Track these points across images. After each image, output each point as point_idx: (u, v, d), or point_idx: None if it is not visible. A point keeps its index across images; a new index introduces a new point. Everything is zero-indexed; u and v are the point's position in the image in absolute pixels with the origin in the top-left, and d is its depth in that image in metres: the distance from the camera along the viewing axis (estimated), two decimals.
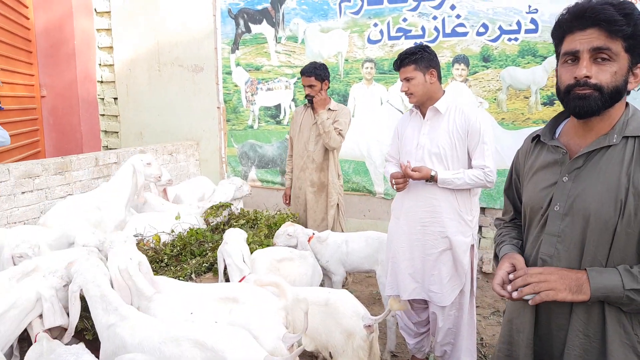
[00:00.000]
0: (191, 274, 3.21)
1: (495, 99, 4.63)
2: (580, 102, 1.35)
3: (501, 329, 1.69)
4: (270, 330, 2.02)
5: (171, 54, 6.21)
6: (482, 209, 4.72)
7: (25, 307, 2.17)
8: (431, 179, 2.62)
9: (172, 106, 6.33)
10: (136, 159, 4.06)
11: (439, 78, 2.76)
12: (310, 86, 3.88)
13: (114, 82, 6.65)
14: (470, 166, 2.69)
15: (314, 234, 3.53)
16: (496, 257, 1.73)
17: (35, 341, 2.08)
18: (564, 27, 1.40)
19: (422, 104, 2.75)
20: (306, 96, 3.97)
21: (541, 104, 4.49)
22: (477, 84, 4.68)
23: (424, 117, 2.77)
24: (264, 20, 5.58)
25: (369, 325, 2.28)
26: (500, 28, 4.53)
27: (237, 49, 5.80)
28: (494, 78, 4.64)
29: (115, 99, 6.70)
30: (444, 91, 2.76)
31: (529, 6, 4.38)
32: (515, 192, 1.75)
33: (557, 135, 1.55)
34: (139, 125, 6.63)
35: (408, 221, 2.78)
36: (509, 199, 1.79)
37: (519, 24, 4.45)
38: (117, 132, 6.80)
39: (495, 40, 4.56)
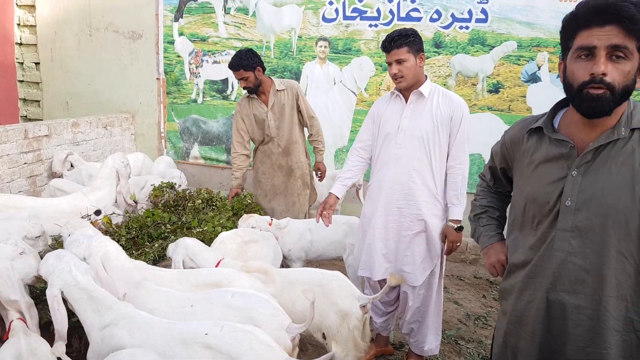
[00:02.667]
0: (154, 259, 3.04)
1: (445, 85, 4.78)
2: (594, 104, 1.33)
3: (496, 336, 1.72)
4: (273, 318, 1.96)
5: (105, 19, 5.72)
6: None
7: None
8: (459, 230, 2.74)
9: (104, 75, 5.87)
10: (117, 161, 3.72)
11: None
12: (243, 79, 3.67)
13: (35, 45, 6.03)
14: (447, 150, 2.77)
15: (272, 220, 3.47)
16: (477, 219, 1.90)
17: (9, 330, 1.86)
18: (580, 21, 1.35)
19: (407, 88, 2.75)
20: (244, 89, 3.77)
21: (487, 91, 4.71)
22: (429, 69, 4.80)
23: (406, 101, 2.78)
24: None
25: (364, 305, 2.30)
26: (452, 16, 4.65)
27: (181, 17, 5.47)
28: (444, 64, 4.78)
29: (37, 63, 6.09)
30: (426, 76, 2.79)
31: None
32: (502, 175, 1.79)
33: (555, 126, 1.52)
34: (65, 94, 6.08)
35: (386, 203, 2.80)
36: (491, 173, 1.87)
37: (470, 12, 4.60)
38: (38, 101, 6.19)
39: (447, 27, 4.69)
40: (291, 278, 2.44)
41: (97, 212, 3.35)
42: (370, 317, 3.11)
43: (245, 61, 3.61)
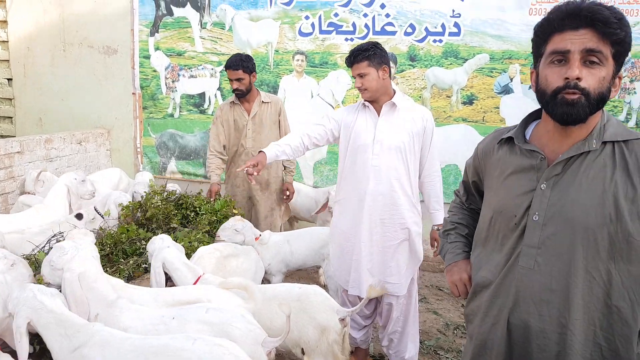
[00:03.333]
0: (128, 275, 2.98)
1: (420, 97, 4.85)
2: (568, 109, 1.27)
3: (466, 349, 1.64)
4: (249, 333, 1.94)
5: (79, 34, 5.67)
6: None
7: None
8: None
9: (79, 90, 5.80)
10: (69, 178, 3.64)
11: (390, 75, 2.83)
12: (239, 80, 3.69)
13: (7, 60, 5.94)
14: (421, 160, 2.83)
15: (260, 235, 3.43)
16: (446, 235, 1.82)
17: None
18: (553, 25, 1.30)
19: (376, 100, 2.79)
20: (234, 91, 3.76)
21: (461, 103, 4.79)
22: (404, 81, 4.87)
23: (377, 112, 2.81)
24: (188, 3, 5.30)
25: (343, 319, 2.29)
26: (426, 29, 4.74)
27: (157, 32, 5.46)
28: (419, 77, 4.85)
29: (10, 79, 5.99)
30: (394, 90, 2.84)
31: (453, 10, 4.64)
32: (475, 190, 1.72)
33: (527, 137, 1.45)
34: (38, 110, 5.99)
35: (370, 216, 2.78)
36: (464, 188, 1.80)
37: (443, 26, 4.70)
38: (11, 118, 6.08)
39: (421, 41, 4.77)
40: (269, 294, 2.42)
41: (79, 216, 3.31)
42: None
43: (246, 63, 3.68)
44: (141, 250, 3.31)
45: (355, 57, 2.74)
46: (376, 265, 2.83)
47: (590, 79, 1.25)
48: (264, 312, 2.32)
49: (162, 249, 2.66)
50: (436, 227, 2.92)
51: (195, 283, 2.54)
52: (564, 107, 1.28)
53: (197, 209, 3.73)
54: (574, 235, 1.29)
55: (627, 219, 1.24)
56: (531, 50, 1.44)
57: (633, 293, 1.27)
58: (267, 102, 3.87)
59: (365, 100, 2.82)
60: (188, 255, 3.06)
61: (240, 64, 3.66)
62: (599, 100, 1.27)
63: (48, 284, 2.17)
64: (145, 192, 3.80)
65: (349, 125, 2.86)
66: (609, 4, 1.29)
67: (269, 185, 3.92)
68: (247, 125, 3.82)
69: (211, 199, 3.86)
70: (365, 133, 2.81)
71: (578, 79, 1.25)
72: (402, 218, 2.77)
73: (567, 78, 1.26)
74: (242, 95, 3.78)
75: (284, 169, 4.03)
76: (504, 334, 1.40)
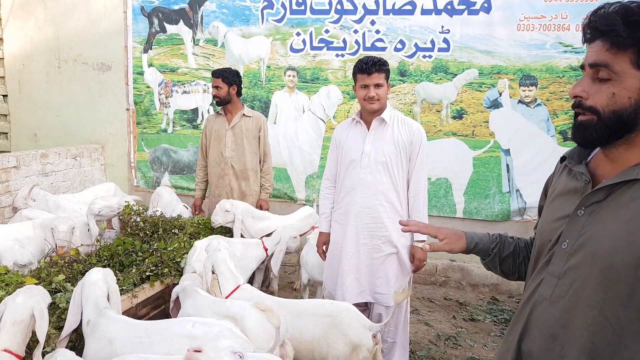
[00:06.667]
0: (130, 285, 3.01)
1: (410, 112, 4.93)
2: (577, 133, 1.18)
3: None
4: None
5: (74, 51, 5.74)
6: None
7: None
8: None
9: (73, 106, 5.85)
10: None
11: None
12: (217, 87, 3.94)
13: (3, 77, 5.99)
14: (408, 173, 2.87)
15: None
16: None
17: None
18: (585, 36, 1.17)
19: (369, 114, 2.85)
20: (213, 96, 4.01)
21: (451, 117, 4.87)
22: (395, 96, 4.94)
23: (367, 127, 2.87)
24: (181, 20, 5.39)
25: (375, 335, 2.31)
26: (416, 45, 4.83)
27: (151, 48, 5.53)
28: (409, 92, 4.93)
29: (5, 96, 6.04)
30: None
31: (442, 26, 4.73)
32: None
33: (590, 158, 1.28)
34: (33, 126, 6.03)
35: (356, 227, 2.85)
36: (538, 211, 1.54)
37: (432, 42, 4.79)
38: (6, 133, 6.11)
39: (411, 56, 4.86)
40: (299, 308, 2.48)
41: None
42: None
43: (227, 74, 3.93)
44: (137, 262, 3.34)
45: (377, 67, 2.71)
46: (364, 276, 2.88)
47: (597, 97, 1.12)
48: (293, 325, 2.38)
49: (215, 251, 2.81)
50: (417, 244, 2.86)
51: (233, 291, 2.66)
52: (575, 130, 1.19)
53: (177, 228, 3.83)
54: (596, 272, 1.13)
55: None
56: (520, 66, 1.44)
57: None
58: (249, 117, 4.05)
59: (371, 112, 2.81)
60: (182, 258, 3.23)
61: (221, 74, 3.93)
62: (616, 120, 1.10)
63: None
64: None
65: (342, 141, 2.96)
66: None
67: (245, 197, 4.07)
68: (227, 135, 3.99)
69: (195, 213, 4.25)
70: (354, 148, 2.88)
71: (577, 96, 1.15)
72: (387, 231, 2.82)
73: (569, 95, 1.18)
74: (220, 103, 4.01)
75: (261, 185, 4.19)
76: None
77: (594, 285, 1.13)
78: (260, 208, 4.11)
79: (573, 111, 1.20)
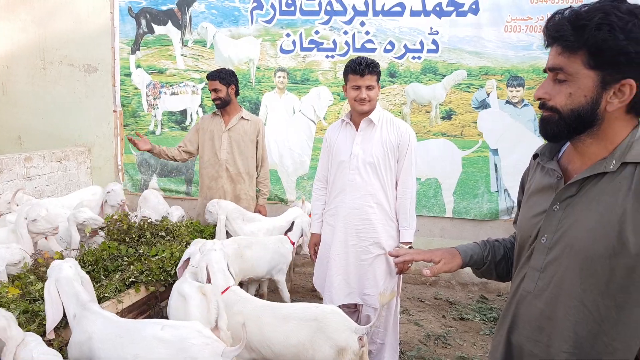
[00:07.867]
0: (115, 291, 2.96)
1: (400, 112, 4.94)
2: (541, 127, 1.26)
3: None
4: (206, 347, 1.94)
5: (59, 52, 5.65)
6: None
7: None
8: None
9: (59, 109, 5.76)
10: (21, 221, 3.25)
11: None
12: (215, 90, 3.86)
13: None
14: (397, 174, 2.86)
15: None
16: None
17: None
18: (545, 42, 1.24)
19: (359, 116, 2.85)
20: (214, 100, 3.91)
21: (440, 118, 4.89)
22: (384, 97, 4.95)
23: (356, 128, 2.87)
24: (169, 21, 5.34)
25: (361, 338, 2.29)
26: (405, 46, 4.85)
27: (138, 49, 5.47)
28: (399, 93, 4.95)
29: None
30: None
31: (431, 28, 4.76)
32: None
33: (560, 155, 1.34)
34: (17, 128, 5.92)
35: (345, 228, 2.85)
36: (518, 207, 1.60)
37: (422, 43, 4.81)
38: None
39: (400, 57, 4.88)
40: (285, 312, 2.45)
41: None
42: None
43: (224, 74, 3.84)
44: (123, 266, 3.29)
45: (370, 69, 2.71)
46: (352, 277, 2.88)
47: (557, 98, 1.19)
48: (279, 330, 2.36)
49: (210, 251, 2.80)
50: (402, 246, 2.85)
51: (223, 292, 2.64)
52: (539, 124, 1.27)
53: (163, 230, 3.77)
54: (574, 264, 1.19)
55: (632, 253, 1.10)
56: (508, 67, 1.47)
57: (630, 336, 1.15)
58: (248, 120, 3.98)
59: (361, 113, 2.81)
60: (172, 266, 3.16)
61: (218, 75, 3.84)
62: (575, 117, 1.18)
63: None
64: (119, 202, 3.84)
65: (332, 142, 2.96)
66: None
67: (240, 200, 3.99)
68: (223, 137, 3.91)
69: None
70: (343, 149, 2.89)
71: (540, 98, 1.23)
72: (376, 233, 2.82)
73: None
74: (221, 106, 3.91)
75: (259, 190, 4.14)
76: (502, 354, 1.38)
77: (573, 277, 1.19)
78: (259, 213, 4.06)
79: None
